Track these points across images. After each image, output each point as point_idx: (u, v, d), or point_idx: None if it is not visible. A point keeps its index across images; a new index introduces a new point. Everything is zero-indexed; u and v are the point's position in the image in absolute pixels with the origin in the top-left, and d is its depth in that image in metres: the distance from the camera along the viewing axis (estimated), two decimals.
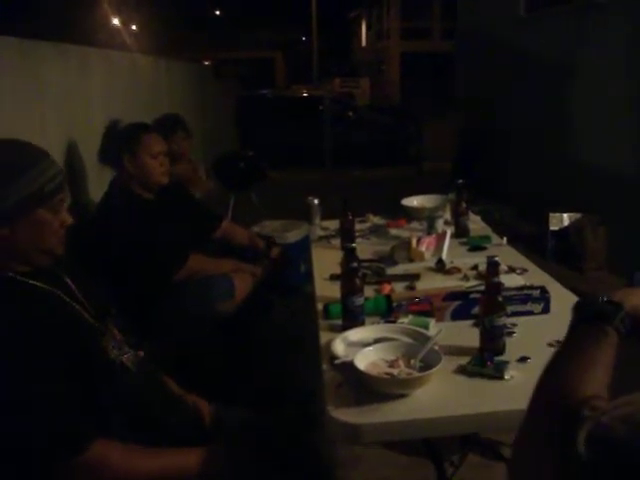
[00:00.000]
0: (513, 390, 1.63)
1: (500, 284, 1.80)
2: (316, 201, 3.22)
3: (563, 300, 2.20)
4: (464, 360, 1.75)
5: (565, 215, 5.41)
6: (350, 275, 1.97)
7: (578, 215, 5.35)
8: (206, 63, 15.71)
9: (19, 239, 1.44)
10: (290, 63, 29.18)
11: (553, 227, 5.39)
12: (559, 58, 6.22)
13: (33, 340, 1.38)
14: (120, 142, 2.89)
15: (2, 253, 1.44)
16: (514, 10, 7.49)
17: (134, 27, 24.67)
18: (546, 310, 2.10)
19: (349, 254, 2.01)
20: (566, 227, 5.36)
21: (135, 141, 2.85)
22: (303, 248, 3.49)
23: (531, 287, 2.18)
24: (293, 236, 4.09)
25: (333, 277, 2.39)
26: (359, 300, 1.96)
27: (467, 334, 1.91)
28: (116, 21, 23.19)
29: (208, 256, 3.04)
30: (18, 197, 1.41)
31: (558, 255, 5.35)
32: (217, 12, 32.66)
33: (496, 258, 1.81)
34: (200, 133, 6.87)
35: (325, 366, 1.78)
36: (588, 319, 0.98)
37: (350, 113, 12.72)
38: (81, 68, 3.66)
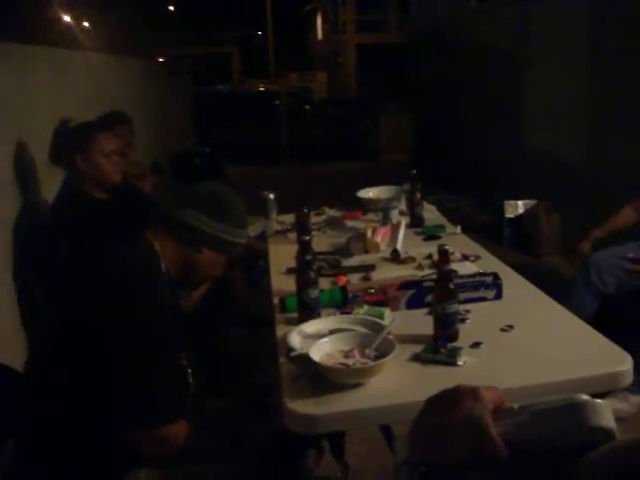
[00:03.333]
0: (466, 375, 1.67)
1: (451, 272, 1.83)
2: (271, 195, 3.22)
3: (516, 286, 2.26)
4: (419, 348, 1.78)
5: (520, 202, 5.51)
6: (305, 268, 1.98)
7: (532, 202, 5.45)
8: (160, 60, 15.55)
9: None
10: (246, 58, 29.02)
11: (508, 215, 5.49)
12: (510, 48, 6.30)
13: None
14: (72, 142, 2.85)
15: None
16: (465, 2, 7.58)
17: (86, 24, 24.25)
18: (499, 296, 2.14)
19: (303, 247, 2.02)
20: (521, 214, 5.46)
21: (87, 140, 2.81)
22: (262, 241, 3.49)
23: (484, 274, 2.21)
24: (251, 231, 4.07)
25: (289, 271, 2.39)
26: (314, 292, 1.98)
27: (422, 322, 1.93)
28: (67, 18, 22.75)
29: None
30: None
31: (514, 242, 5.45)
32: (171, 8, 32.37)
33: (447, 246, 1.84)
34: (154, 130, 6.80)
35: (282, 359, 1.79)
36: None
37: (307, 107, 12.74)
38: (24, 67, 3.59)
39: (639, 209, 3.35)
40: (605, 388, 1.77)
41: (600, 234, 3.38)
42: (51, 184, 3.14)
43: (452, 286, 1.80)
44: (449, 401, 0.83)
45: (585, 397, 0.82)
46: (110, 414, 1.56)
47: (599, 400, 0.82)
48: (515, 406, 0.85)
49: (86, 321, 1.60)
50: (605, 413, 0.81)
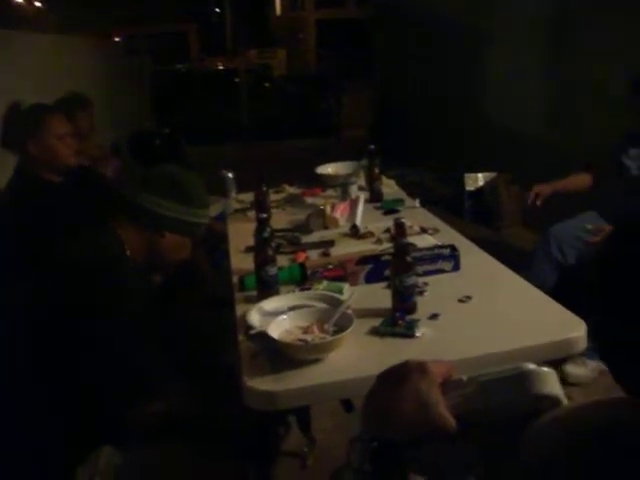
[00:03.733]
0: (424, 346, 1.69)
1: (408, 245, 1.84)
2: (230, 174, 3.20)
3: (474, 257, 2.28)
4: (378, 321, 1.79)
5: (480, 175, 5.56)
6: (263, 246, 1.98)
7: (492, 175, 5.50)
8: (117, 39, 15.24)
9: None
10: (204, 36, 28.57)
11: (469, 187, 5.54)
12: (470, 20, 6.30)
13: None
14: (23, 125, 2.78)
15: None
16: None
17: (37, 4, 23.64)
18: (456, 268, 2.16)
19: (261, 225, 2.02)
20: (481, 187, 5.51)
21: (39, 124, 2.74)
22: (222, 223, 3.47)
23: (442, 246, 2.23)
24: (211, 211, 4.03)
25: (248, 249, 2.38)
26: (272, 270, 1.97)
27: (380, 296, 1.94)
28: None
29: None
30: None
31: (474, 214, 5.50)
32: None
33: (404, 220, 1.85)
34: (111, 111, 6.68)
35: (241, 337, 1.79)
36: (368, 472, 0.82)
37: (267, 84, 12.63)
38: None
39: (594, 175, 3.39)
40: (561, 354, 1.81)
41: (555, 188, 3.35)
42: (4, 170, 3.06)
43: (409, 259, 1.81)
44: (398, 377, 0.84)
45: (531, 366, 0.84)
46: (84, 394, 1.58)
47: (545, 369, 0.84)
48: (464, 378, 0.86)
49: (48, 308, 1.60)
50: (550, 381, 0.82)
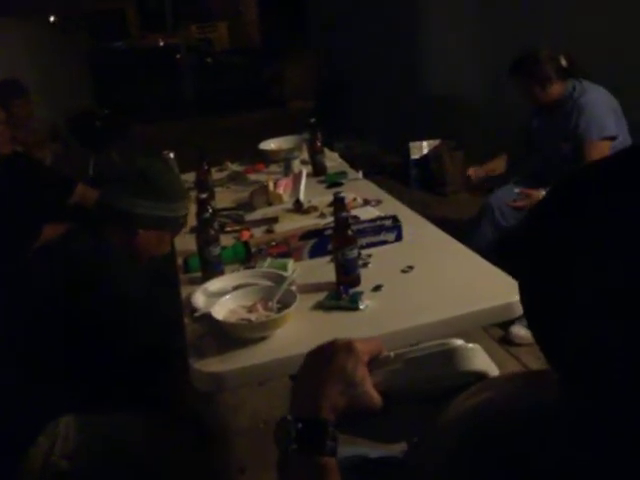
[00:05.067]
0: (368, 318, 1.71)
1: (348, 218, 1.85)
2: (171, 154, 3.15)
3: (417, 227, 2.30)
4: (323, 296, 1.81)
5: (424, 143, 5.59)
6: (204, 226, 1.97)
7: (436, 142, 5.54)
8: (52, 19, 14.77)
9: None
10: (143, 12, 27.89)
11: (414, 156, 5.57)
12: None
13: None
14: None
15: None
16: None
17: None
18: (399, 238, 2.18)
19: (202, 205, 2.00)
20: (426, 155, 5.54)
21: None
22: None
23: (384, 217, 2.25)
24: None
25: (192, 230, 2.36)
26: (216, 250, 1.97)
27: (325, 270, 1.96)
28: None
29: (66, 223, 2.92)
30: None
31: (421, 182, 5.55)
32: None
33: (342, 194, 1.86)
34: (47, 94, 6.50)
35: (186, 320, 1.79)
36: (294, 449, 0.80)
37: (209, 59, 12.44)
38: None
39: (508, 155, 3.58)
40: (503, 318, 1.85)
41: (486, 170, 3.56)
42: None
43: (350, 233, 1.82)
44: (324, 357, 0.85)
45: (457, 342, 0.86)
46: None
47: (470, 345, 0.86)
48: (392, 354, 0.87)
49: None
50: (476, 357, 0.84)
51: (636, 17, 3.46)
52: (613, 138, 3.07)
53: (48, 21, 13.03)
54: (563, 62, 3.16)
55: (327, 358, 0.85)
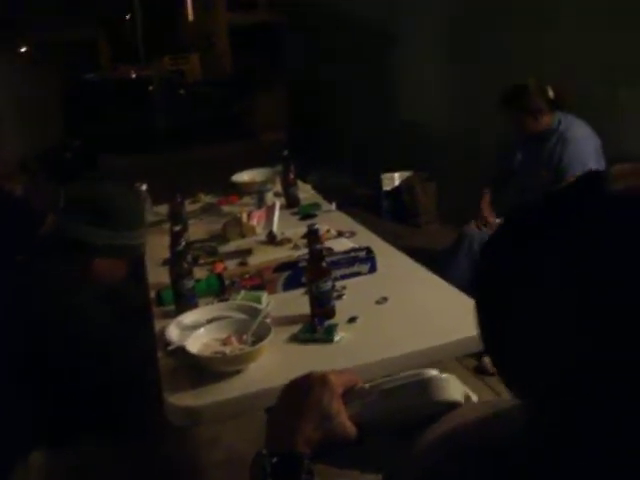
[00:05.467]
0: (343, 350, 1.71)
1: (322, 250, 1.86)
2: (144, 187, 3.15)
3: (390, 258, 2.32)
4: (297, 328, 1.80)
5: (396, 174, 5.65)
6: (178, 259, 1.96)
7: (408, 173, 5.60)
8: (23, 50, 14.73)
9: None
10: (115, 43, 27.94)
11: (386, 187, 5.62)
12: (379, 25, 6.40)
13: None
14: None
15: None
16: None
17: None
18: (373, 269, 2.19)
19: (175, 238, 2.00)
20: (398, 186, 5.59)
21: None
22: None
23: (357, 249, 2.26)
24: None
25: (165, 262, 2.35)
26: (189, 283, 1.96)
27: (299, 303, 1.96)
28: None
29: (37, 254, 2.89)
30: None
31: (393, 213, 5.59)
32: None
33: (317, 226, 1.87)
34: (16, 125, 6.47)
35: (160, 353, 1.77)
36: None
37: (181, 91, 12.47)
38: None
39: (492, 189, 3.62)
40: (475, 349, 1.85)
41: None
42: None
43: (324, 265, 1.83)
44: (300, 390, 0.85)
45: (432, 373, 0.86)
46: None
47: (444, 375, 0.87)
48: (367, 386, 0.88)
49: None
50: (450, 387, 0.85)
51: (602, 56, 3.57)
52: None
53: (19, 52, 13.01)
54: (550, 94, 3.22)
55: (303, 392, 0.85)
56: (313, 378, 0.87)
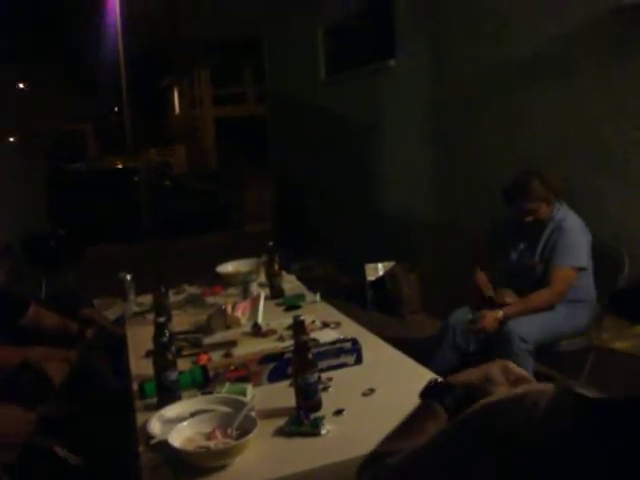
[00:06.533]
0: (329, 444, 1.68)
1: (307, 342, 1.85)
2: (128, 277, 3.15)
3: (376, 349, 2.31)
4: (283, 421, 1.77)
5: (379, 265, 5.69)
6: (161, 350, 1.94)
7: (391, 264, 5.64)
8: (10, 139, 14.95)
9: None
10: (102, 134, 28.50)
11: (369, 277, 5.64)
12: (361, 119, 6.60)
13: None
14: None
15: None
16: (316, 75, 7.90)
17: None
18: (359, 361, 2.18)
19: (159, 329, 1.98)
20: (382, 276, 5.63)
21: None
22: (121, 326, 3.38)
23: (343, 340, 2.25)
24: (110, 314, 3.94)
25: (148, 354, 2.33)
26: (173, 375, 1.93)
27: (285, 395, 1.93)
28: None
29: (16, 346, 2.85)
30: None
31: (377, 303, 5.60)
32: (21, 86, 31.38)
33: (302, 317, 1.87)
34: (1, 214, 6.49)
35: (142, 448, 1.73)
36: (423, 397, 1.14)
37: (167, 182, 12.63)
38: None
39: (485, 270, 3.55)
40: None
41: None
42: None
43: (310, 356, 1.82)
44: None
45: None
46: None
47: None
48: None
49: None
50: None
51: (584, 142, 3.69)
52: (582, 269, 3.18)
53: (7, 141, 13.19)
54: (554, 182, 3.24)
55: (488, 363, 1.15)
56: (499, 361, 1.14)
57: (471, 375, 1.13)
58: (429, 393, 1.12)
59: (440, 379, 1.15)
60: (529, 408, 0.73)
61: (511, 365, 1.13)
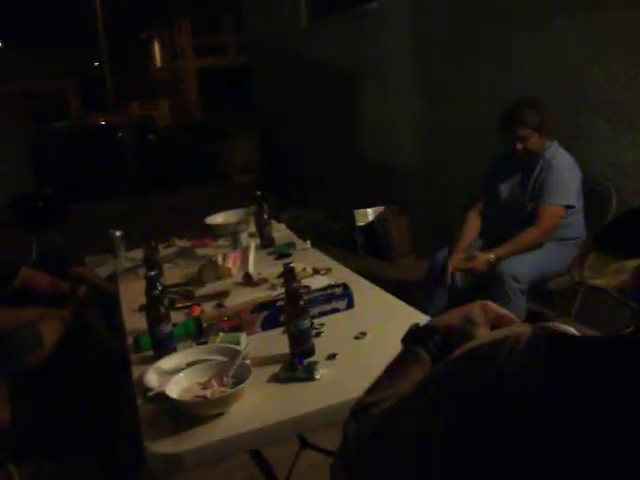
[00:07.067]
0: (324, 388, 1.70)
1: (299, 289, 1.86)
2: (118, 233, 3.14)
3: (367, 293, 2.33)
4: (277, 368, 1.79)
5: (369, 210, 5.70)
6: (154, 304, 1.95)
7: (381, 208, 5.65)
8: None
9: None
10: (84, 91, 28.05)
11: (359, 223, 5.66)
12: (346, 65, 6.50)
13: None
14: None
15: None
16: (297, 21, 7.74)
17: None
18: (350, 305, 2.20)
19: (150, 283, 1.98)
20: (371, 221, 5.64)
21: None
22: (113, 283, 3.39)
23: (334, 286, 2.27)
24: (102, 272, 3.95)
25: (141, 308, 2.34)
26: (167, 327, 1.94)
27: (278, 342, 1.95)
28: None
29: (9, 307, 2.86)
30: None
31: (368, 248, 5.62)
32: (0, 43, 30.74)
33: (293, 264, 1.87)
34: None
35: (139, 400, 1.75)
36: (406, 342, 1.13)
37: (151, 136, 12.50)
38: None
39: (478, 212, 3.55)
40: None
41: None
42: None
43: (302, 303, 1.83)
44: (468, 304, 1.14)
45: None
46: None
47: None
48: None
49: None
50: None
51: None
52: (570, 207, 3.19)
53: None
54: (546, 115, 3.22)
55: (468, 304, 1.13)
56: (479, 302, 1.13)
57: (452, 317, 1.12)
58: (412, 338, 1.12)
59: (422, 323, 1.14)
60: (508, 352, 0.73)
61: (491, 304, 1.12)
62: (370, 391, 1.04)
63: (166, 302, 2.01)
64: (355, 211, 5.69)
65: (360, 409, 0.98)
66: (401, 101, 5.53)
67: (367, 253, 5.61)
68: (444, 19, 4.72)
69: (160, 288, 1.98)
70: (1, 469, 1.71)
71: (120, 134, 11.00)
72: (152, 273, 2.00)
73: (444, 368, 0.83)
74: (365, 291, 2.34)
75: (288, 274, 1.82)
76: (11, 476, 1.73)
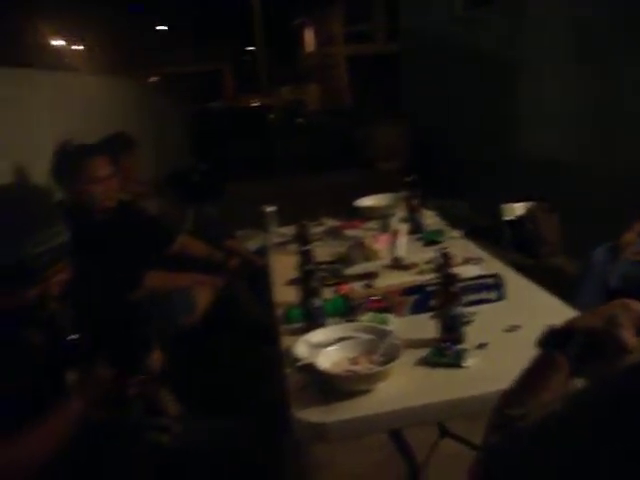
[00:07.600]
0: (473, 376, 1.67)
1: (453, 275, 1.84)
2: (271, 209, 3.24)
3: (518, 286, 2.26)
4: (425, 352, 1.78)
5: (517, 205, 5.52)
6: (307, 278, 1.99)
7: (529, 204, 5.47)
8: (155, 79, 15.60)
9: None
10: (238, 74, 29.13)
11: (507, 217, 5.50)
12: (504, 53, 6.33)
13: None
14: (65, 167, 2.84)
15: None
16: (453, 9, 7.63)
17: (81, 47, 24.45)
18: (501, 297, 2.14)
19: (305, 257, 2.03)
20: (520, 216, 5.47)
21: (77, 167, 2.79)
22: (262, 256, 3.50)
23: (485, 276, 2.22)
24: (250, 245, 4.09)
25: (291, 282, 2.40)
26: (318, 302, 1.98)
27: (427, 326, 1.93)
28: (63, 42, 22.96)
29: (166, 272, 3.02)
30: None
31: (514, 244, 5.45)
32: (164, 27, 32.49)
33: (447, 250, 1.85)
34: (148, 149, 6.83)
35: (288, 369, 1.80)
36: (542, 346, 1.07)
37: (300, 120, 12.77)
38: (25, 90, 3.63)
39: None
40: None
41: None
42: None
43: (455, 289, 1.81)
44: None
45: None
46: None
47: None
48: None
49: None
50: None
51: None
52: None
53: (152, 80, 13.78)
54: None
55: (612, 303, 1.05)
56: (619, 300, 1.05)
57: (591, 318, 1.04)
58: (549, 342, 1.05)
59: (558, 326, 1.07)
60: None
61: (634, 303, 1.02)
62: (508, 400, 1.00)
63: (318, 277, 2.05)
64: (502, 206, 5.53)
65: (503, 422, 0.94)
66: (561, 92, 5.30)
67: (513, 249, 5.45)
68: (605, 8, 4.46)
69: (314, 263, 2.03)
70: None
71: (272, 116, 11.32)
72: (306, 248, 2.04)
73: (601, 384, 0.78)
74: (517, 285, 2.27)
75: (444, 259, 1.81)
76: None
